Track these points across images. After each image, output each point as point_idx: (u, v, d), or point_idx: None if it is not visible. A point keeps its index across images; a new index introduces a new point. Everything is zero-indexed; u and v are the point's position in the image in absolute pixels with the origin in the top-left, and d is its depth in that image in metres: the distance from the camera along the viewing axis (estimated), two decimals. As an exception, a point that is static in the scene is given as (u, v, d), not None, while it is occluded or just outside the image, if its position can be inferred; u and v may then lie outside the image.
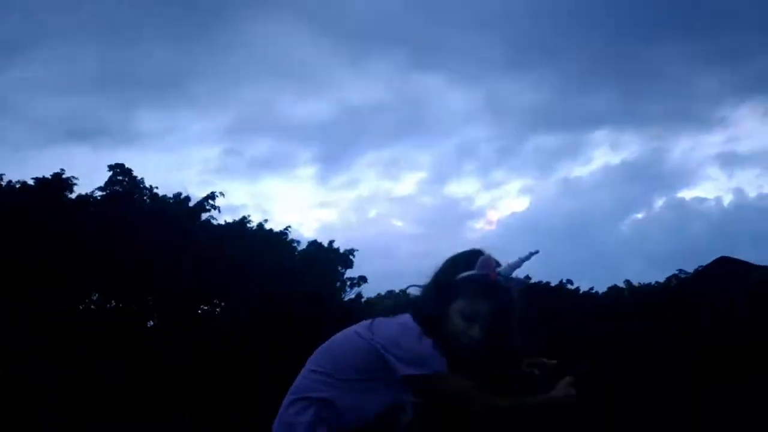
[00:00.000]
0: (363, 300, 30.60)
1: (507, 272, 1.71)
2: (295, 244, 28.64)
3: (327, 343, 1.86)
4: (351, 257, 29.64)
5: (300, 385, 1.72)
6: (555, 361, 1.81)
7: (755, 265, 5.35)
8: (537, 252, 1.68)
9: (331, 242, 30.10)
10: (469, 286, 1.67)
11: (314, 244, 29.62)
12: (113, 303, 25.32)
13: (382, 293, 36.48)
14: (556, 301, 38.57)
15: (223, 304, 26.19)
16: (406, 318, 1.71)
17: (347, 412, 1.62)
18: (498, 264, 1.72)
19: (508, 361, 1.76)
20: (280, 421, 1.70)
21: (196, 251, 22.09)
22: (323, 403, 1.63)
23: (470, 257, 1.72)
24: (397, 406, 1.69)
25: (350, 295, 31.03)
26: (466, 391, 1.58)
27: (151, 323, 27.00)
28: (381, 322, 1.74)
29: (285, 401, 1.73)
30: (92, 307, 25.81)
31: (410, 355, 1.60)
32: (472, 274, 1.67)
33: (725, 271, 5.35)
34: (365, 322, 1.78)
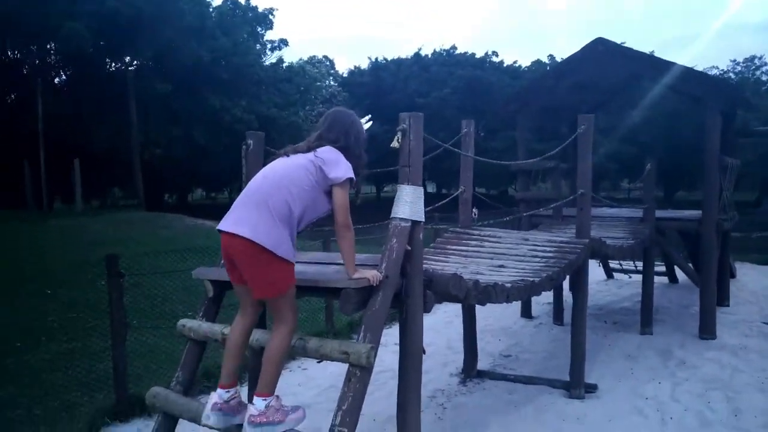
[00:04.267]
0: (284, 65, 29.84)
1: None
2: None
3: (283, 171, 2.45)
4: (271, 17, 28.05)
5: (277, 207, 2.35)
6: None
7: (631, 50, 5.73)
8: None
9: (248, -1, 28.09)
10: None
11: (230, 1, 27.52)
12: (9, 56, 23.36)
13: (304, 58, 35.56)
14: (480, 71, 39.43)
15: (135, 62, 24.80)
16: (330, 148, 2.51)
17: (303, 221, 2.43)
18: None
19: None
20: (269, 234, 2.31)
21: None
22: (295, 218, 2.39)
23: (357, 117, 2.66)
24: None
25: (270, 59, 30.12)
26: (346, 203, 2.46)
27: (58, 80, 25.53)
28: (319, 151, 2.48)
29: (266, 216, 2.34)
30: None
31: (344, 166, 2.44)
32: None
33: (602, 52, 5.76)
34: (311, 153, 2.49)
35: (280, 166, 2.47)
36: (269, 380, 2.39)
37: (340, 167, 2.41)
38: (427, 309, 2.71)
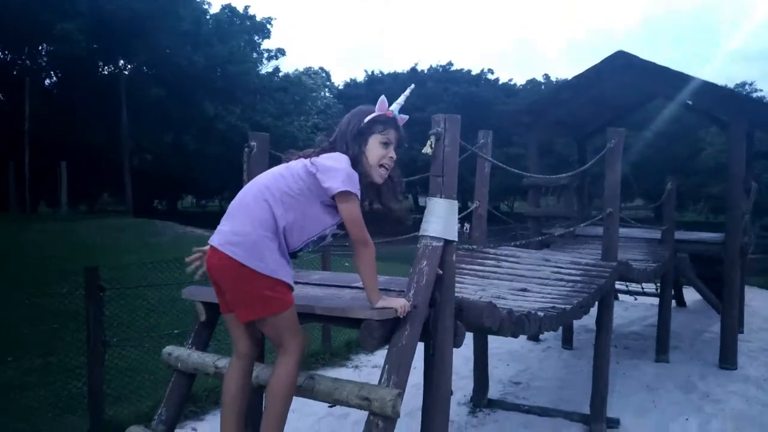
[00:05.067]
0: (280, 75, 29.53)
1: (396, 109, 2.15)
2: (206, 6, 26.18)
3: (271, 175, 2.10)
4: (269, 26, 27.78)
5: (260, 215, 1.99)
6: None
7: (654, 64, 5.43)
8: (412, 86, 2.28)
9: (246, 8, 27.80)
10: (377, 123, 2.12)
11: (228, 9, 27.24)
12: None
13: (301, 69, 35.30)
14: (475, 88, 39.39)
15: (129, 66, 24.38)
16: (336, 154, 2.09)
17: (294, 234, 2.02)
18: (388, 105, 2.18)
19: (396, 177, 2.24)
20: (251, 249, 1.95)
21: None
22: (281, 229, 2.00)
23: (368, 108, 2.17)
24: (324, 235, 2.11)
25: (267, 68, 29.83)
26: (355, 215, 2.02)
27: (48, 82, 25.04)
28: (322, 156, 2.09)
29: (246, 226, 1.98)
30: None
31: (341, 176, 2.00)
32: (377, 115, 2.12)
33: (622, 66, 5.47)
34: (309, 159, 2.10)
35: (271, 172, 2.12)
36: (274, 427, 1.98)
37: (337, 176, 1.99)
38: (458, 344, 2.31)
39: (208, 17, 25.91)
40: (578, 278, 3.94)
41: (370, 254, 2.05)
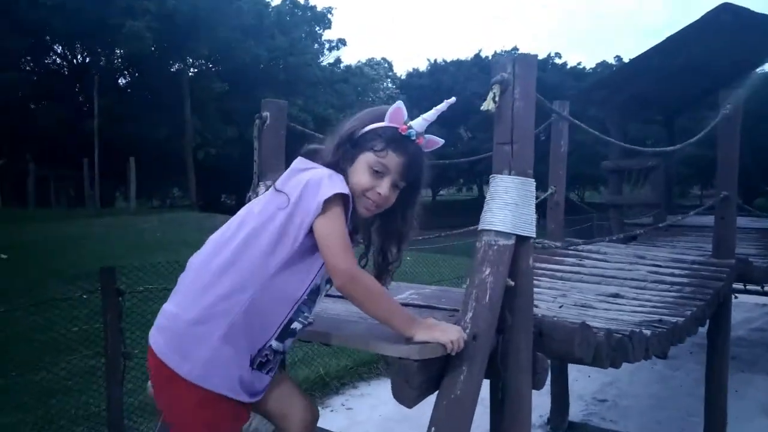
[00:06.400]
0: (341, 66, 29.18)
1: (420, 127, 1.47)
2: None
3: (240, 225, 1.43)
4: (329, 16, 27.47)
5: (201, 288, 1.35)
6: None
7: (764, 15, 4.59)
8: (453, 100, 1.49)
9: (307, -2, 27.60)
10: (378, 138, 1.44)
11: (289, 0, 27.11)
12: (78, 59, 23.72)
13: (363, 60, 34.87)
14: (542, 73, 37.77)
15: (201, 62, 24.72)
16: (298, 160, 1.48)
17: (270, 311, 1.37)
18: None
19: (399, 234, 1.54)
20: (174, 327, 1.34)
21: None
22: (235, 311, 1.33)
23: (383, 111, 1.48)
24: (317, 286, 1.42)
25: (328, 59, 29.55)
26: (335, 233, 1.34)
27: (122, 81, 25.80)
28: (288, 183, 1.43)
29: (178, 305, 1.37)
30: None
31: (316, 193, 1.35)
32: (379, 126, 1.46)
33: (728, 21, 4.53)
34: (281, 196, 1.45)
35: (243, 211, 1.47)
36: None
37: (320, 190, 1.34)
38: (538, 384, 1.63)
39: (270, 10, 25.88)
40: (685, 280, 3.13)
41: (366, 285, 1.35)
